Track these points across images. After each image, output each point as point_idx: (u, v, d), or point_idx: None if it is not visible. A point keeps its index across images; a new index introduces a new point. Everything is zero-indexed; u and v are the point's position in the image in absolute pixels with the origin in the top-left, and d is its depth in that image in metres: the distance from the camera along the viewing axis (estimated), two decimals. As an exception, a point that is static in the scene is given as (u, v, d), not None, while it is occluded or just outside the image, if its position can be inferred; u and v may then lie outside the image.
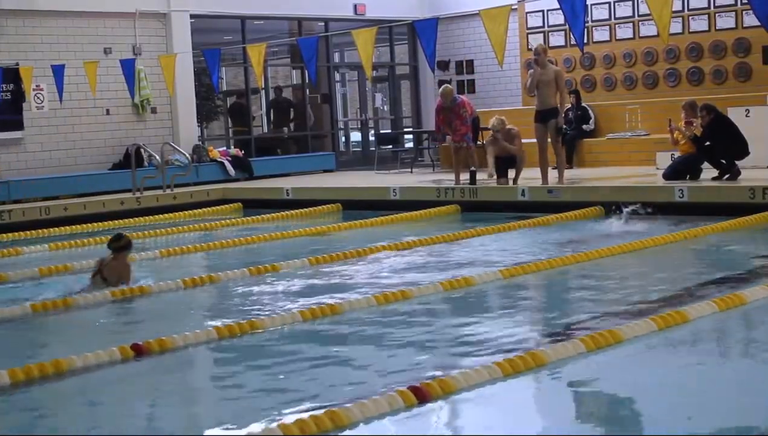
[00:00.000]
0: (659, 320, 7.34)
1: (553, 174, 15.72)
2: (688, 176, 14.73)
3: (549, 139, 15.57)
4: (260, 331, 7.83)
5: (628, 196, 14.27)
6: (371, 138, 26.02)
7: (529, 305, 9.07)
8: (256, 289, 10.00)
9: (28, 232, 15.41)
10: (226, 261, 11.85)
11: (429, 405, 5.66)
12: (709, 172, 14.75)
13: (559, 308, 8.63)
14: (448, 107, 16.75)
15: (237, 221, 16.26)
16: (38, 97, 19.33)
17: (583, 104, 19.38)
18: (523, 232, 13.11)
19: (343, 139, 26.57)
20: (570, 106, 18.67)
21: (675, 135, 15.15)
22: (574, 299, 9.05)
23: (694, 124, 14.86)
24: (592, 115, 19.48)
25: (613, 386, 6.16)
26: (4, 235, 15.17)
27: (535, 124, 15.58)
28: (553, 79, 15.36)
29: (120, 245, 10.10)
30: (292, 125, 24.72)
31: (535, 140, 15.88)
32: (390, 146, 24.32)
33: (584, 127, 19.16)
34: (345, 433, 5.29)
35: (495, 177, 16.09)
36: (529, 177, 15.94)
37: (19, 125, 19.18)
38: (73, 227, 15.82)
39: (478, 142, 18.28)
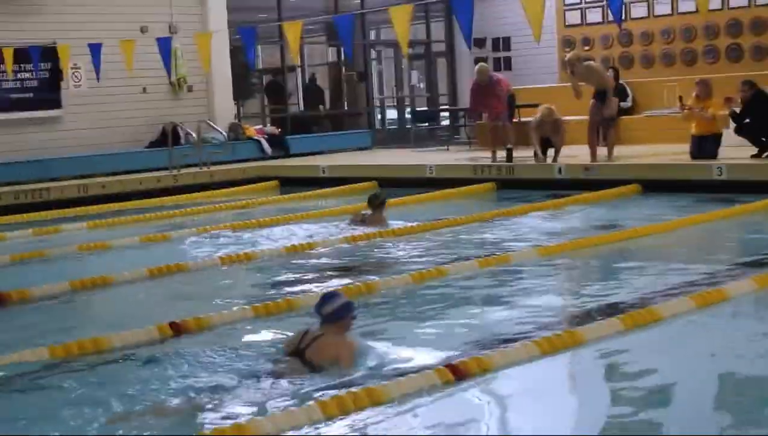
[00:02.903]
0: (698, 298, 7.30)
1: (602, 152, 15.63)
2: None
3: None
4: (297, 309, 7.84)
5: (665, 174, 14.18)
6: (407, 116, 25.97)
7: (566, 283, 9.03)
8: (292, 267, 10.02)
9: (66, 209, 15.51)
10: (262, 239, 11.87)
11: (466, 383, 5.66)
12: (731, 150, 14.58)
13: (596, 286, 8.58)
14: (484, 85, 16.67)
15: (273, 198, 16.29)
16: (76, 76, 19.43)
17: (621, 81, 19.22)
18: (559, 210, 13.04)
19: (379, 116, 26.52)
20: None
21: (685, 112, 14.96)
22: (611, 277, 9.00)
23: (733, 100, 14.71)
24: (629, 92, 19.34)
25: (651, 365, 6.12)
26: (43, 212, 15.28)
27: (592, 100, 15.55)
28: (595, 76, 15.41)
29: (380, 201, 11.87)
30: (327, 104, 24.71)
31: (585, 117, 15.81)
32: (426, 124, 24.28)
33: (622, 104, 19.00)
34: (382, 410, 5.28)
35: (539, 157, 15.99)
36: (573, 154, 15.86)
37: (56, 104, 19.30)
38: (111, 204, 15.91)
39: (514, 120, 18.19)
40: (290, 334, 6.62)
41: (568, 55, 15.99)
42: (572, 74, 15.60)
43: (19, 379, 6.38)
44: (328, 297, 6.34)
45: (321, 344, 6.04)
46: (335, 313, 6.17)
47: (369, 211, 12.08)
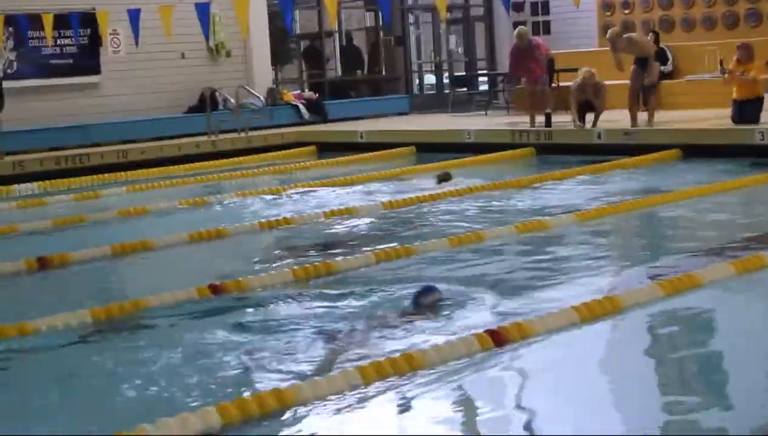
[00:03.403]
0: (738, 264, 7.24)
1: (642, 117, 15.51)
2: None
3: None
4: (336, 273, 7.86)
5: (705, 139, 14.05)
6: (445, 80, 25.86)
7: (606, 249, 8.98)
8: (331, 231, 10.04)
9: (106, 175, 15.61)
10: (300, 204, 11.89)
11: (506, 349, 5.65)
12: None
13: (635, 252, 8.54)
14: (523, 49, 16.56)
15: (311, 163, 16.31)
16: (114, 42, 19.50)
17: (662, 45, 19.01)
18: (598, 175, 12.96)
19: (417, 81, 26.43)
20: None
21: (726, 76, 14.77)
22: (650, 243, 8.95)
23: None
24: (670, 56, 19.13)
25: (691, 332, 6.09)
26: (84, 178, 15.38)
27: (634, 65, 15.42)
28: (636, 47, 15.26)
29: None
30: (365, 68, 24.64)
31: (626, 82, 15.68)
32: (464, 89, 24.16)
33: (662, 68, 18.79)
34: (422, 376, 5.29)
35: (578, 123, 15.87)
36: (613, 119, 15.74)
37: (96, 70, 19.38)
38: (150, 169, 16.00)
39: (553, 85, 18.07)
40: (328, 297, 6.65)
41: (609, 33, 15.80)
42: (614, 50, 15.45)
43: (60, 341, 6.45)
44: (425, 290, 6.72)
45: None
46: (431, 306, 6.56)
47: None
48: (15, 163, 16.08)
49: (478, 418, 4.88)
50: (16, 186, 14.78)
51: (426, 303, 6.57)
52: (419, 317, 6.41)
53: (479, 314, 6.47)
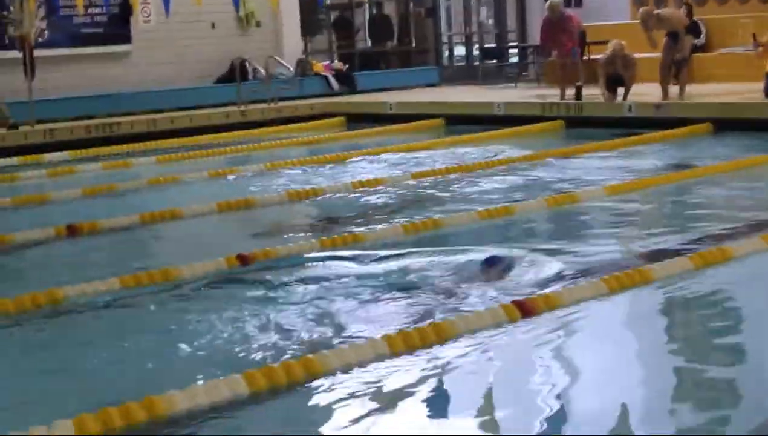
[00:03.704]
0: (769, 239, 7.18)
1: (673, 90, 15.38)
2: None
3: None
4: (363, 244, 7.86)
5: (737, 112, 13.94)
6: (475, 52, 25.73)
7: (635, 222, 8.93)
8: (359, 203, 10.03)
9: (135, 144, 15.66)
10: (329, 174, 11.90)
11: (533, 320, 5.64)
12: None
13: (665, 225, 8.49)
14: (554, 21, 16.46)
15: (340, 134, 16.30)
16: (145, 11, 19.50)
17: (695, 18, 18.82)
18: (629, 148, 12.89)
19: (447, 53, 26.31)
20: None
21: (759, 50, 14.61)
22: (680, 217, 8.89)
23: None
24: (703, 29, 18.93)
25: (720, 305, 6.06)
26: (113, 147, 15.44)
27: (666, 37, 15.28)
28: (668, 24, 15.11)
29: None
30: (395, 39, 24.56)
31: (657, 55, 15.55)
32: (494, 61, 24.04)
33: (695, 42, 18.61)
34: (449, 345, 5.29)
35: (608, 95, 15.75)
36: (643, 92, 15.63)
37: (126, 39, 19.41)
38: (180, 139, 16.03)
39: (584, 57, 17.95)
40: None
41: (639, 13, 15.65)
42: (646, 29, 15.30)
43: (89, 309, 6.49)
44: (493, 259, 6.87)
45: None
46: (499, 274, 6.65)
47: None
48: (45, 131, 16.15)
49: (502, 390, 4.87)
50: (46, 154, 14.85)
51: (494, 270, 6.62)
52: (475, 283, 6.41)
53: (507, 286, 6.45)
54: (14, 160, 14.40)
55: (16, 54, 16.61)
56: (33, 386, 5.18)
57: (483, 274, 6.65)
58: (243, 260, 7.33)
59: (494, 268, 6.70)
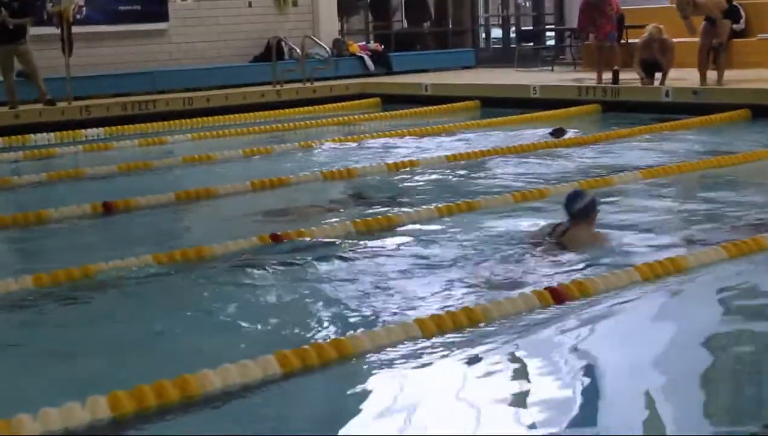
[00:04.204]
0: (807, 229, 7.12)
1: (712, 75, 15.25)
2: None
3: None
4: (397, 225, 7.85)
5: (777, 99, 13.80)
6: (512, 35, 25.61)
7: (670, 209, 8.86)
8: (393, 184, 10.03)
9: (171, 122, 15.71)
10: (363, 155, 11.90)
11: (565, 307, 5.62)
12: None
13: (700, 213, 8.42)
14: (593, 4, 16.35)
15: (375, 115, 16.28)
16: (183, -11, 19.58)
17: (734, 3, 18.62)
18: (665, 133, 12.80)
19: (484, 35, 26.21)
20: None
21: None
22: (716, 204, 8.81)
23: None
24: (743, 14, 18.73)
25: (755, 295, 6.01)
26: (149, 124, 15.50)
27: (704, 21, 15.13)
28: (705, 9, 14.95)
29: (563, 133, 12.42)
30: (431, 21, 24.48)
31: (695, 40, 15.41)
32: (531, 43, 23.93)
33: (734, 26, 18.42)
34: (481, 330, 5.29)
35: (646, 79, 15.64)
36: (681, 77, 15.51)
37: (164, 17, 19.45)
38: (215, 117, 16.07)
39: (622, 41, 17.82)
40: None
41: (676, 1, 15.51)
42: (684, 17, 15.16)
43: (123, 285, 6.53)
44: (576, 195, 7.08)
45: (576, 235, 6.85)
46: (585, 209, 6.91)
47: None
48: (82, 108, 16.23)
49: (531, 376, 4.86)
50: (83, 131, 14.93)
51: (578, 208, 6.87)
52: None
53: (539, 271, 6.43)
54: (51, 136, 14.49)
55: (54, 30, 16.68)
56: (67, 362, 5.23)
57: (569, 208, 6.93)
58: (276, 239, 7.35)
59: (579, 202, 6.92)
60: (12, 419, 4.16)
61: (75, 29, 16.98)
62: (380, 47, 21.58)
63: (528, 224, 7.85)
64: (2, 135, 14.44)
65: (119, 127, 15.25)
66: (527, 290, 5.82)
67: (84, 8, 18.48)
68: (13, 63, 15.96)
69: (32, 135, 14.52)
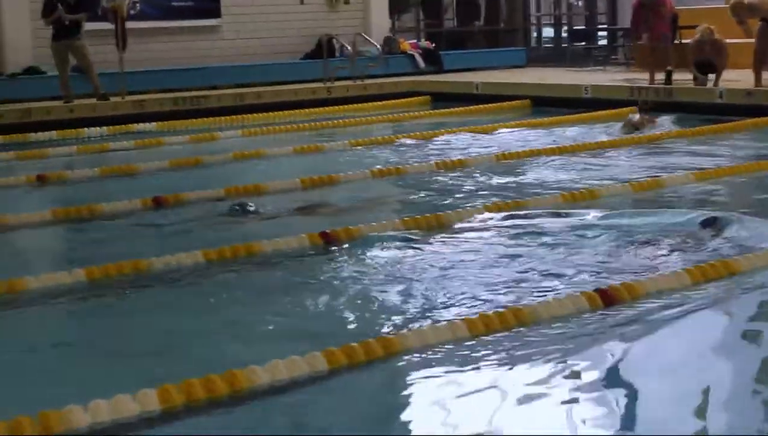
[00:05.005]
0: None
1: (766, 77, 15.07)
2: None
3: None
4: (446, 225, 7.84)
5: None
6: (564, 34, 25.49)
7: (722, 211, 8.76)
8: (442, 182, 10.02)
9: (222, 118, 15.80)
10: (413, 153, 11.90)
11: (615, 309, 5.59)
12: None
13: (753, 216, 8.31)
14: (647, 4, 16.22)
15: (425, 113, 16.28)
16: (236, -15, 19.70)
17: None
18: (719, 134, 12.67)
19: (535, 34, 26.11)
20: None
21: None
22: (769, 207, 8.72)
23: None
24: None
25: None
26: (200, 120, 15.61)
27: (760, 22, 14.95)
28: (761, 11, 14.74)
29: (649, 105, 13.46)
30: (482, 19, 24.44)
31: (749, 40, 15.22)
32: (583, 43, 23.81)
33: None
34: (529, 331, 5.27)
35: (699, 80, 15.49)
36: (735, 78, 15.34)
37: (216, 13, 19.59)
38: (266, 114, 16.14)
39: (676, 42, 17.67)
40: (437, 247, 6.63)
41: (729, 5, 15.33)
42: (739, 22, 14.98)
43: (174, 280, 6.59)
44: (709, 221, 7.34)
45: None
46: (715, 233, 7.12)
47: (637, 116, 12.94)
48: (135, 103, 16.38)
49: (578, 378, 4.81)
50: (135, 125, 15.06)
51: (710, 231, 7.13)
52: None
53: (588, 273, 6.40)
54: (104, 130, 14.64)
55: (108, 26, 16.86)
56: (117, 355, 5.28)
57: (700, 233, 7.08)
58: (326, 237, 7.37)
59: (710, 228, 7.03)
60: (63, 410, 4.21)
61: (129, 25, 17.14)
62: (431, 45, 21.57)
63: (577, 223, 7.80)
64: (57, 129, 14.62)
65: (171, 122, 15.38)
66: (577, 290, 5.80)
67: (138, 4, 18.66)
68: (69, 58, 16.14)
69: (86, 129, 14.69)
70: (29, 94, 16.76)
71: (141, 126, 14.99)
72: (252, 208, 8.60)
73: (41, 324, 5.99)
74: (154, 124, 15.18)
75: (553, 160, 11.02)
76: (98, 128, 14.72)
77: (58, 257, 7.88)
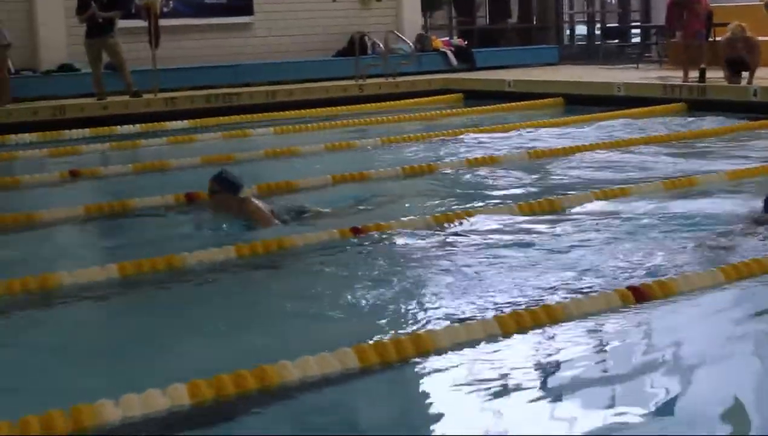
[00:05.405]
0: None
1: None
2: None
3: None
4: (475, 221, 7.81)
5: None
6: (597, 32, 25.39)
7: (757, 210, 8.68)
8: (473, 180, 10.00)
9: (254, 115, 15.84)
10: (445, 151, 11.87)
11: (647, 306, 5.55)
12: None
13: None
14: (681, 2, 16.14)
15: (457, 111, 16.25)
16: (268, -17, 19.74)
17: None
18: (753, 133, 12.57)
19: (568, 32, 26.01)
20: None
21: None
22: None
23: None
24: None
25: None
26: (232, 117, 15.64)
27: None
28: None
29: None
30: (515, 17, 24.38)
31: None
32: (616, 41, 23.69)
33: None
34: (561, 328, 5.25)
35: (733, 78, 15.39)
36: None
37: (249, 10, 19.66)
38: (297, 111, 16.16)
39: (710, 39, 17.55)
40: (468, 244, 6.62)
41: (765, 2, 15.22)
42: None
43: (206, 276, 6.60)
44: None
45: None
46: None
47: None
48: (167, 100, 16.46)
49: (611, 376, 4.80)
50: (167, 123, 15.12)
51: None
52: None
53: (622, 271, 6.36)
54: (137, 127, 14.70)
55: (141, 23, 16.95)
56: (148, 350, 5.30)
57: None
58: (357, 232, 7.37)
59: None
60: (95, 404, 4.23)
61: (162, 22, 17.23)
62: (463, 43, 21.53)
63: (613, 222, 7.76)
64: (90, 126, 14.71)
65: (203, 119, 15.42)
66: (609, 287, 5.77)
67: (171, 1, 18.74)
68: (102, 56, 16.23)
69: (119, 126, 14.75)
70: (63, 91, 16.88)
71: (173, 123, 15.03)
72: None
73: (74, 319, 6.02)
74: (186, 121, 15.23)
75: (584, 158, 10.95)
76: (131, 125, 14.78)
77: (91, 253, 7.91)
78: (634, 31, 24.81)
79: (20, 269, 6.61)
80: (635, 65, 20.34)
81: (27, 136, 13.98)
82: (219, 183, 7.84)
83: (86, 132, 14.41)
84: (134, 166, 11.17)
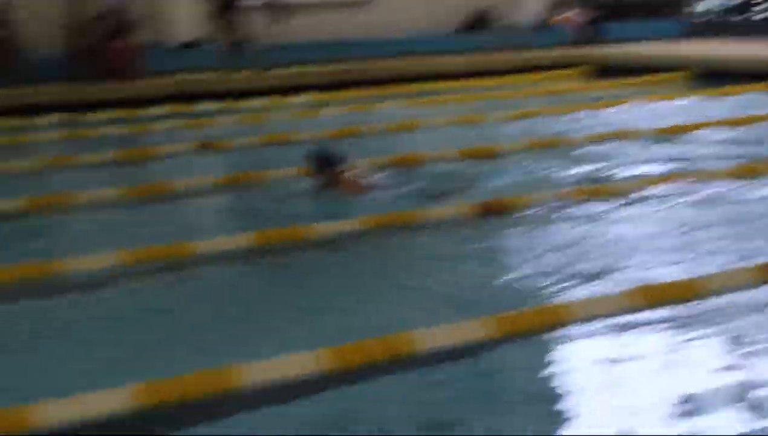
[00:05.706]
0: None
1: None
2: None
3: None
4: (601, 197, 7.71)
5: None
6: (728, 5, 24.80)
7: None
8: (602, 154, 9.85)
9: (379, 88, 15.97)
10: (571, 125, 11.74)
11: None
12: None
13: None
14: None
15: (582, 85, 16.06)
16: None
17: None
18: None
19: (697, 6, 25.45)
20: None
21: None
22: None
23: None
24: None
25: None
26: (356, 91, 15.76)
27: None
28: None
29: None
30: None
31: None
32: (745, 15, 23.10)
33: None
34: (693, 306, 5.15)
35: None
36: None
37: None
38: (421, 85, 16.17)
39: None
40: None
41: None
42: None
43: (332, 247, 6.66)
44: None
45: None
46: None
47: None
48: (293, 74, 16.63)
49: (744, 356, 4.68)
50: (294, 97, 15.28)
51: None
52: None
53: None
54: (265, 101, 14.90)
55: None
56: (282, 317, 5.34)
57: None
58: (487, 207, 7.35)
59: None
60: (232, 367, 4.32)
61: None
62: (588, 16, 21.25)
63: (752, 196, 7.57)
64: (218, 99, 14.96)
65: (328, 93, 15.54)
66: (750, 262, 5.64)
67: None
68: (230, 31, 16.48)
69: (245, 101, 14.97)
70: (192, 65, 17.19)
71: (299, 98, 15.18)
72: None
73: (211, 287, 6.12)
74: (312, 95, 15.37)
75: (714, 133, 10.71)
76: (258, 99, 14.98)
77: (220, 222, 8.05)
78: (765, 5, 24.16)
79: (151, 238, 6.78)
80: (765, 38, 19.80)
81: (158, 110, 14.30)
82: (312, 161, 7.99)
83: (215, 106, 14.65)
84: (261, 139, 11.32)
